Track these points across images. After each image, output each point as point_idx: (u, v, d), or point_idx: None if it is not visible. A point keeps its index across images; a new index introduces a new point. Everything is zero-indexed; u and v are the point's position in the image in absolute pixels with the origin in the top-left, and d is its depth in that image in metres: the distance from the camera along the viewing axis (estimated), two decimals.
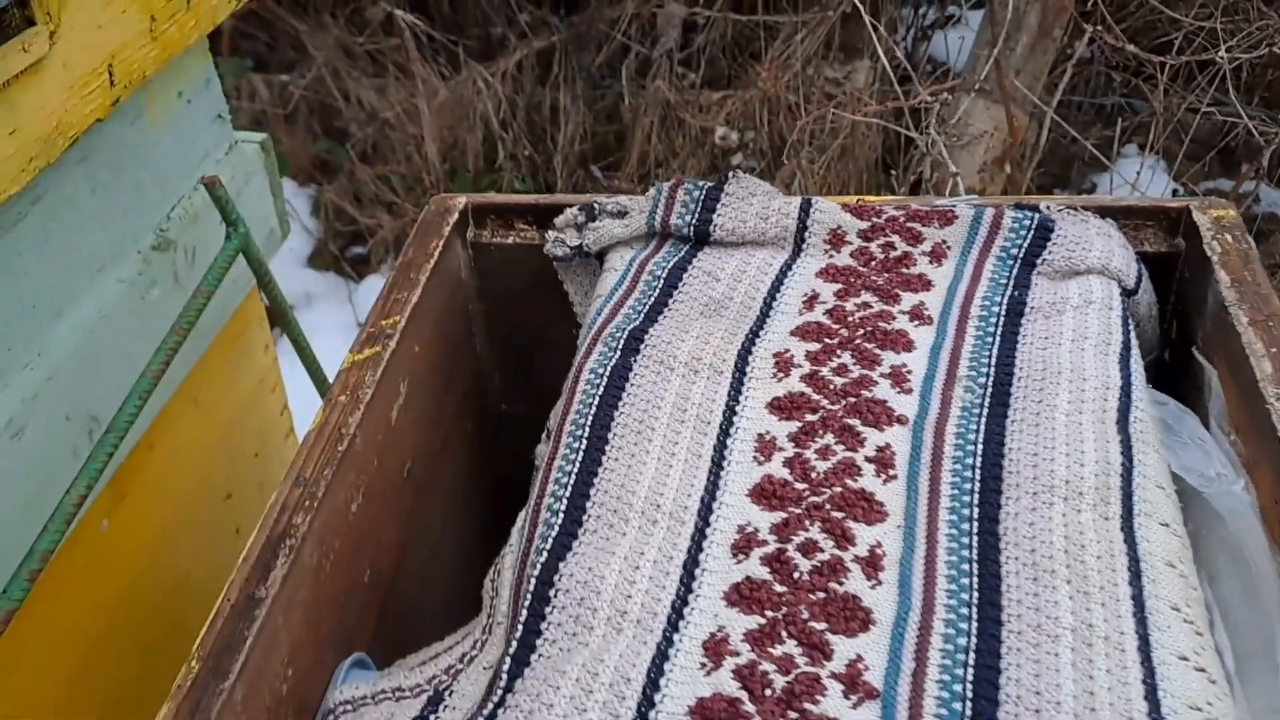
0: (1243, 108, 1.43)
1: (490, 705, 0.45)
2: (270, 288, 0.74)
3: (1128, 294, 0.62)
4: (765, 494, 0.51)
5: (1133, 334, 0.59)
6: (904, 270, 0.62)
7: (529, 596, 0.48)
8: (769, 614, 0.46)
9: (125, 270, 0.67)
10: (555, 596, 0.48)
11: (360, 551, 0.57)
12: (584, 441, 0.54)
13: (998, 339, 0.58)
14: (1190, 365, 0.63)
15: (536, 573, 0.49)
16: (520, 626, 0.47)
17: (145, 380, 0.58)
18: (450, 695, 0.49)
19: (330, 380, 0.63)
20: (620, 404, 0.56)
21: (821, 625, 0.45)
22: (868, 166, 1.46)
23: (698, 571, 0.48)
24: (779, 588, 0.47)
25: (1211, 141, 1.62)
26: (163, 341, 0.60)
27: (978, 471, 0.51)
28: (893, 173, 1.39)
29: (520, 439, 0.63)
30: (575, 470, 0.53)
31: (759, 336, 0.60)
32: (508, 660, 0.46)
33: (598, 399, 0.56)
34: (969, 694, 0.43)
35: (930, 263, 0.63)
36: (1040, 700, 0.42)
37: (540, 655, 0.46)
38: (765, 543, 0.49)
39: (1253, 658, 0.46)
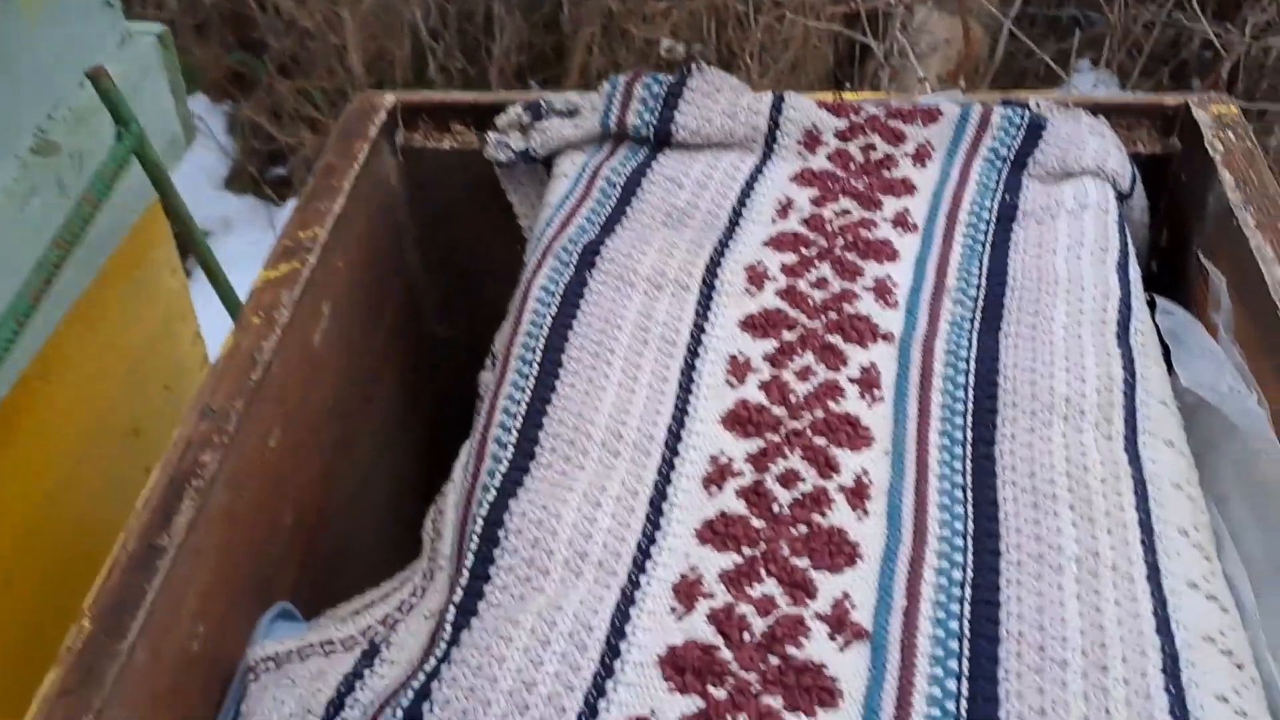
0: (1197, 20, 1.39)
1: (433, 660, 0.39)
2: (172, 198, 0.66)
3: (1122, 198, 0.57)
4: (740, 420, 0.46)
5: (1130, 240, 0.54)
6: (886, 173, 0.57)
7: (475, 538, 0.43)
8: (746, 551, 0.41)
9: None
10: (505, 538, 0.42)
11: (280, 492, 0.51)
12: (535, 367, 0.48)
13: (988, 247, 0.53)
14: (1184, 275, 0.59)
15: (484, 512, 0.43)
16: (466, 572, 0.42)
17: (23, 302, 0.51)
18: (387, 648, 0.43)
19: None
20: (575, 325, 0.50)
21: (804, 562, 0.40)
22: (820, 79, 1.39)
23: (666, 507, 0.43)
24: (756, 522, 0.42)
25: (1166, 56, 1.58)
26: (43, 257, 0.52)
27: (970, 391, 0.46)
28: (846, 85, 1.32)
29: (460, 366, 0.57)
30: (526, 399, 0.47)
31: (728, 248, 0.54)
32: (452, 610, 0.41)
33: (550, 320, 0.50)
34: (966, 631, 0.38)
35: (914, 165, 0.57)
36: (1044, 635, 0.38)
37: (489, 604, 0.41)
38: (741, 474, 0.44)
39: (1265, 580, 0.42)
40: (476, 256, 0.67)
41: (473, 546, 0.42)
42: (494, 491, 0.44)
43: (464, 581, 0.41)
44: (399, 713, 0.37)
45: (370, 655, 0.43)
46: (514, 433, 0.46)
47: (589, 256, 0.53)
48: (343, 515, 0.58)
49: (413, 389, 0.70)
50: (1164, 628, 0.38)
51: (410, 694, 0.38)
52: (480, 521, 0.43)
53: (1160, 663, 0.37)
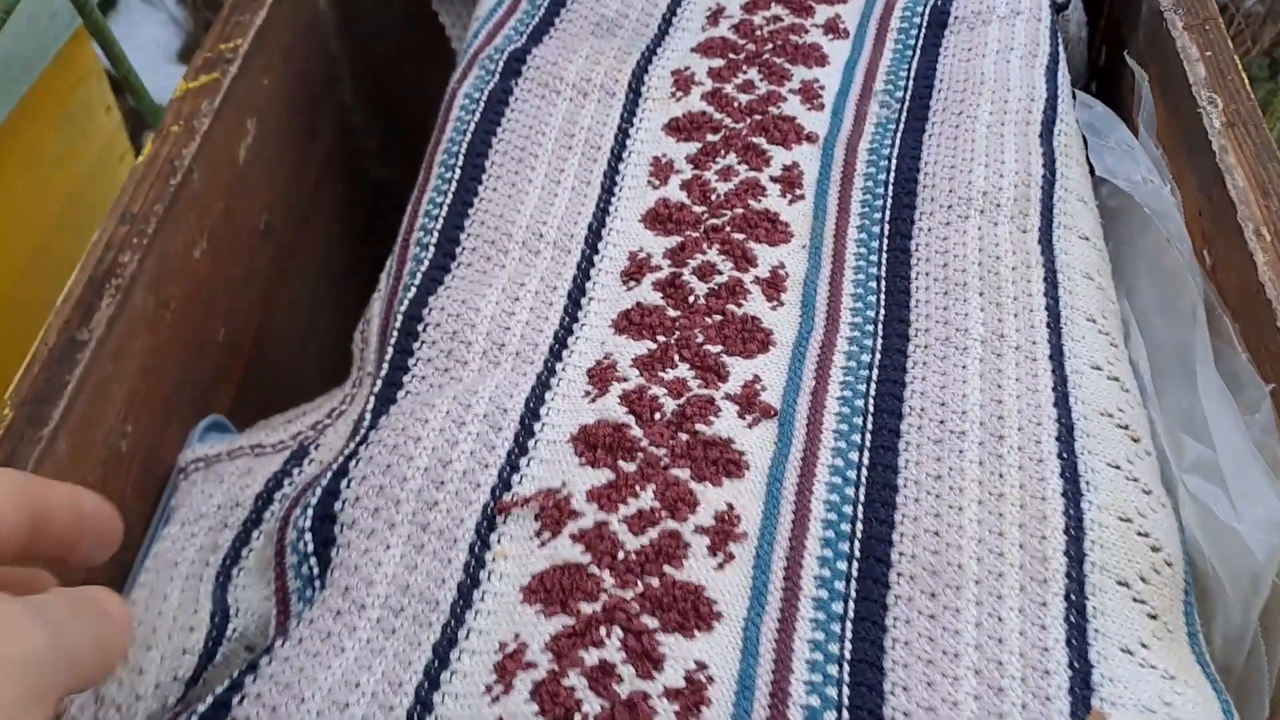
0: None
1: (353, 445, 0.40)
2: (93, 19, 0.64)
3: (1057, 9, 0.56)
4: (660, 218, 0.46)
5: (1061, 47, 0.54)
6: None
7: (395, 334, 0.43)
8: (660, 339, 0.42)
9: None
10: (424, 331, 0.43)
11: (210, 307, 0.51)
12: (458, 171, 0.48)
13: (918, 51, 0.53)
14: (1118, 92, 0.59)
15: (404, 308, 0.43)
16: (385, 364, 0.42)
17: None
18: (315, 449, 0.44)
19: None
20: (499, 130, 0.49)
21: (717, 348, 0.41)
22: None
23: (584, 301, 0.43)
24: (672, 312, 0.42)
25: None
26: None
27: (890, 188, 0.47)
28: None
29: (401, 209, 0.56)
30: (448, 201, 0.47)
31: (656, 55, 0.53)
32: (371, 400, 0.41)
33: (473, 125, 0.49)
34: (871, 408, 0.39)
35: None
36: (945, 411, 0.39)
37: (407, 392, 0.41)
38: (659, 268, 0.44)
39: (1168, 366, 0.43)
40: (415, 93, 0.66)
41: (393, 340, 0.43)
42: (414, 289, 0.44)
43: (384, 373, 0.42)
44: (318, 491, 0.38)
45: (299, 456, 0.44)
46: (435, 234, 0.46)
47: (514, 65, 0.52)
48: (281, 343, 0.59)
49: (353, 230, 0.69)
50: (1062, 402, 0.39)
51: (330, 474, 0.39)
52: (400, 318, 0.43)
53: (1055, 432, 0.38)
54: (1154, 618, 0.34)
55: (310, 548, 0.37)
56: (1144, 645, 0.33)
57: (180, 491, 0.44)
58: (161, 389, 0.47)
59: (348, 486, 0.38)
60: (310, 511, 0.38)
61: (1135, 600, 0.34)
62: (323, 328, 0.64)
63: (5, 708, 0.22)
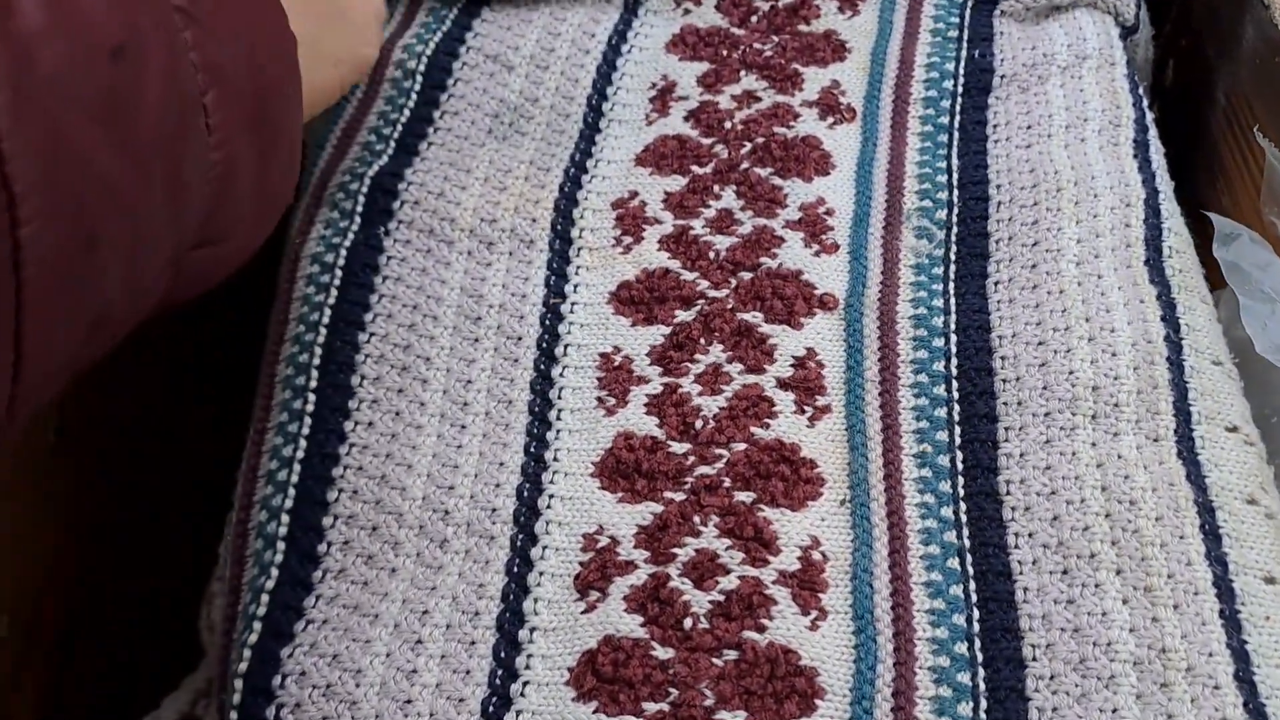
0: None
1: None
2: None
3: (1126, 34, 0.41)
4: (623, 470, 0.30)
5: (1146, 107, 0.39)
6: (801, 27, 0.39)
7: (233, 717, 0.28)
8: (649, 708, 0.27)
9: None
10: (277, 705, 0.27)
11: None
12: (311, 397, 0.32)
13: (955, 133, 0.37)
14: (1200, 138, 0.44)
15: (242, 671, 0.28)
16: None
17: None
18: None
19: None
20: (368, 320, 0.33)
21: (737, 717, 0.27)
22: None
23: (523, 634, 0.28)
24: (662, 651, 0.28)
25: None
26: None
27: (954, 385, 0.32)
28: None
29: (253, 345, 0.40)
30: (300, 454, 0.31)
31: (586, 171, 0.37)
32: None
33: (328, 315, 0.33)
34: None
35: (841, 12, 0.40)
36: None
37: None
38: (631, 565, 0.29)
39: None
40: None
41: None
42: (258, 629, 0.29)
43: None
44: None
45: None
46: (283, 516, 0.30)
47: (382, 199, 0.35)
48: (100, 605, 0.42)
49: (190, 387, 0.52)
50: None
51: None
52: (240, 686, 0.28)
53: None
54: None
55: None
56: None
57: None
58: None
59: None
60: None
61: None
62: (156, 564, 0.48)
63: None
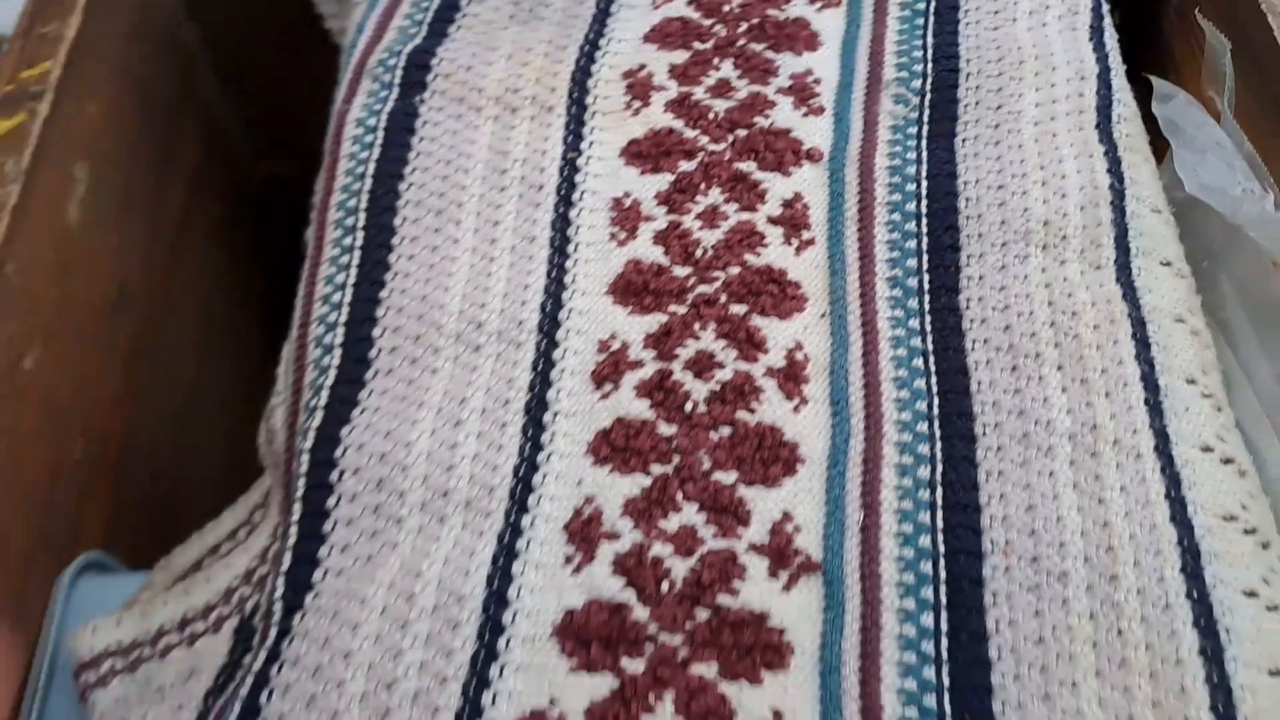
0: None
1: (261, 659, 0.30)
2: None
3: None
4: (632, 289, 0.35)
5: None
6: None
7: (301, 484, 0.32)
8: (656, 469, 0.32)
9: None
10: (340, 481, 0.32)
11: (59, 424, 0.40)
12: (359, 235, 0.36)
13: (931, 16, 0.42)
14: (1155, 29, 0.48)
15: (308, 445, 0.33)
16: (294, 531, 0.32)
17: None
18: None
19: None
20: (407, 170, 0.38)
21: (730, 476, 0.31)
22: None
23: (547, 417, 0.33)
24: (666, 428, 0.32)
25: None
26: None
27: (924, 222, 0.36)
28: None
29: (299, 212, 0.44)
30: (350, 280, 0.36)
31: (599, 48, 0.41)
32: (280, 587, 0.31)
33: (373, 166, 0.38)
34: (941, 548, 0.30)
35: None
36: (1038, 545, 0.30)
37: (326, 570, 0.31)
38: (639, 363, 0.34)
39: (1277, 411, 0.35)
40: (291, 72, 0.53)
41: (299, 494, 0.32)
42: (320, 415, 0.33)
43: (293, 543, 0.31)
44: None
45: (246, 635, 0.33)
46: (339, 329, 0.35)
47: (415, 72, 0.40)
48: (160, 435, 0.47)
49: (237, 254, 0.57)
50: (1180, 514, 0.30)
51: (245, 689, 0.29)
52: (305, 460, 0.32)
53: (1179, 560, 0.29)
54: None
55: None
56: None
57: (101, 713, 0.33)
58: (12, 545, 0.36)
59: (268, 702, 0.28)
60: None
61: None
62: (209, 399, 0.53)
63: None
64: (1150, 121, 0.40)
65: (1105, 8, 0.42)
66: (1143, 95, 0.41)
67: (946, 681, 0.28)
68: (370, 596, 0.30)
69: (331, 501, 0.32)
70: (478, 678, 0.28)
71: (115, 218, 0.44)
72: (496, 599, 0.30)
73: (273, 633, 0.30)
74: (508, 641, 0.29)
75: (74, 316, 0.41)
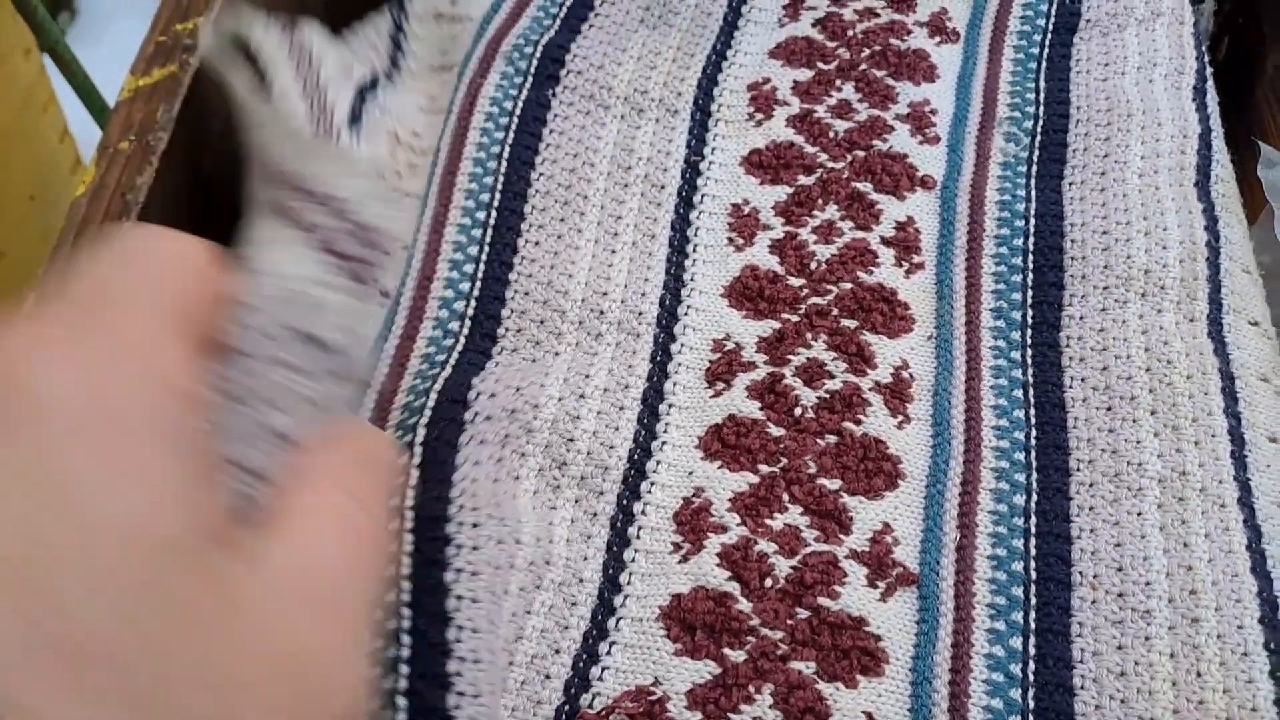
0: None
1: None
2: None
3: (1195, 1, 0.47)
4: (748, 293, 0.37)
5: (1206, 58, 0.45)
6: None
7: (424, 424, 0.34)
8: (763, 469, 0.33)
9: None
10: (473, 421, 0.33)
11: None
12: (492, 214, 0.38)
13: (1043, 63, 0.43)
14: (1249, 105, 0.50)
15: (438, 388, 0.34)
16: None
17: None
18: None
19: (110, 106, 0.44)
20: (538, 159, 0.39)
21: (834, 483, 0.33)
22: None
23: (662, 408, 0.35)
24: (775, 429, 0.34)
25: None
26: None
27: (1031, 258, 0.38)
28: None
29: None
30: (483, 256, 0.37)
31: (726, 59, 0.43)
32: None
33: (507, 149, 0.39)
34: (1032, 575, 0.32)
35: None
36: (1125, 581, 0.31)
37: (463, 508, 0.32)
38: (752, 364, 0.35)
39: None
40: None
41: (421, 439, 0.33)
42: (449, 369, 0.34)
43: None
44: None
45: None
46: (468, 305, 0.36)
47: (550, 65, 0.42)
48: None
49: None
50: (1260, 565, 0.32)
51: None
52: (434, 396, 0.33)
53: (1258, 611, 0.31)
54: None
55: None
56: None
57: None
58: None
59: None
60: None
61: None
62: None
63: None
64: (1241, 183, 0.42)
65: (1209, 70, 0.44)
66: (1240, 156, 0.43)
67: (1032, 705, 0.30)
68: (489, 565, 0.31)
69: (464, 439, 0.32)
70: (587, 653, 0.30)
71: (243, 170, 0.46)
72: (609, 582, 0.31)
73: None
74: (617, 621, 0.31)
75: None
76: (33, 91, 0.66)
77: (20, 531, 0.15)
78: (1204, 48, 0.45)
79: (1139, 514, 0.32)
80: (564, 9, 0.44)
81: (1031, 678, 0.30)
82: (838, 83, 0.42)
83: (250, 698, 0.16)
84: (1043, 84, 0.43)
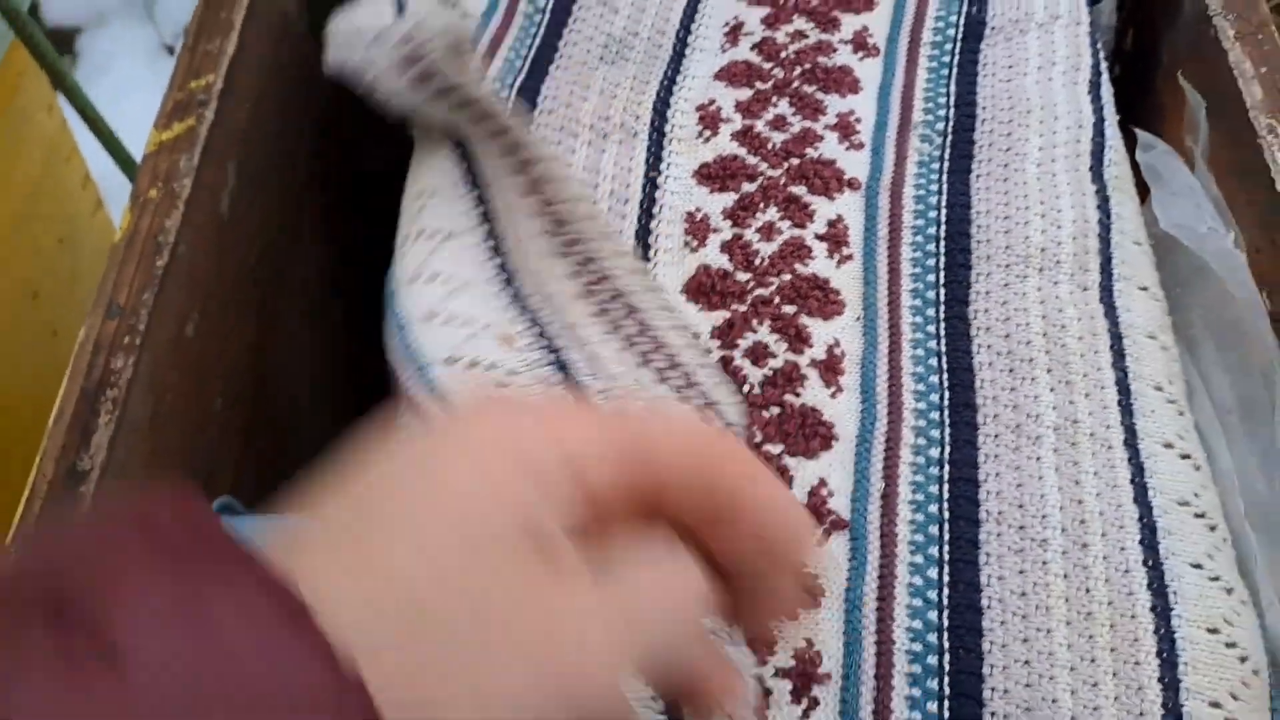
0: None
1: None
2: (25, 28, 0.57)
3: (1092, 1, 0.53)
4: (703, 289, 0.43)
5: (1102, 55, 0.50)
6: None
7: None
8: None
9: None
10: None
11: (206, 379, 0.47)
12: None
13: (954, 70, 0.49)
14: (1150, 85, 0.56)
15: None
16: None
17: None
18: None
19: (136, 159, 0.50)
20: None
21: (776, 447, 0.39)
22: None
23: None
24: None
25: None
26: None
27: (942, 244, 0.44)
28: None
29: (388, 197, 0.52)
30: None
31: (676, 84, 0.49)
32: None
33: None
34: (946, 514, 0.38)
35: None
36: (1024, 515, 0.37)
37: None
38: (709, 352, 0.41)
39: (1234, 428, 0.42)
40: None
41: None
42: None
43: None
44: None
45: None
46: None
47: (524, 105, 0.47)
48: (279, 387, 0.55)
49: (336, 238, 0.65)
50: (1141, 496, 0.38)
51: None
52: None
53: (1139, 534, 0.37)
54: None
55: None
56: None
57: None
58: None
59: None
60: None
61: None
62: (313, 357, 0.61)
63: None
64: (1137, 166, 0.48)
65: (1104, 66, 0.49)
66: (1133, 143, 0.49)
67: (946, 623, 0.35)
68: None
69: None
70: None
71: (254, 208, 0.52)
72: None
73: None
74: None
75: (224, 291, 0.48)
76: (56, 144, 0.72)
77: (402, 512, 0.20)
78: (1100, 45, 0.50)
79: (1037, 458, 0.38)
80: (532, 51, 0.50)
81: (946, 601, 0.36)
82: (774, 99, 0.48)
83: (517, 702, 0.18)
84: (953, 88, 0.48)
